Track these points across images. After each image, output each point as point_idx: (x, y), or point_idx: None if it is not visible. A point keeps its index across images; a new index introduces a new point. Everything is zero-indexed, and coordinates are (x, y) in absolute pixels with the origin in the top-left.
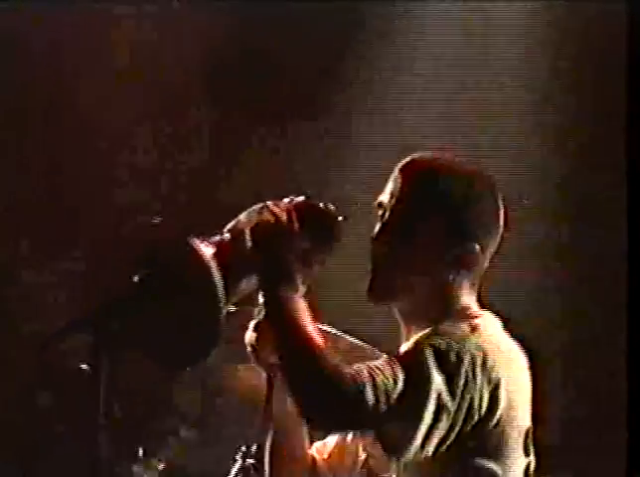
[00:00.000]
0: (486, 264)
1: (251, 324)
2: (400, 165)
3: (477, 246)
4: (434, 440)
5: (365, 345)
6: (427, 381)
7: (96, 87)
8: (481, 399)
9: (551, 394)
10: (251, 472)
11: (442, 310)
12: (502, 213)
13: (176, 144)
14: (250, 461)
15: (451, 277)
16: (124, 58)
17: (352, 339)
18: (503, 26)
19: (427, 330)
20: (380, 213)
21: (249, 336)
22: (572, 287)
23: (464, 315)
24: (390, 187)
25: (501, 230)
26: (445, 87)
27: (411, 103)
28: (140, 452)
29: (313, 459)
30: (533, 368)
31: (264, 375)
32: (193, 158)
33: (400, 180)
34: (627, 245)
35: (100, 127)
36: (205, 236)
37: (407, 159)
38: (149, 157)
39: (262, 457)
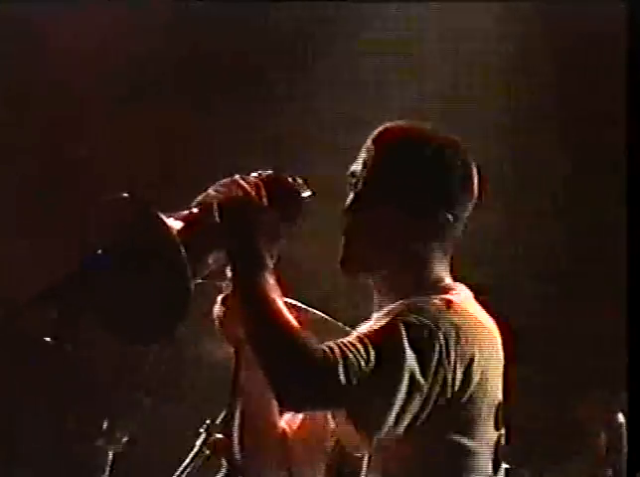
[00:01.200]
0: (459, 234)
1: (219, 298)
2: (372, 134)
3: (450, 216)
4: (407, 418)
5: (331, 319)
6: (400, 359)
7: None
8: (454, 376)
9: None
10: (218, 446)
11: (416, 283)
12: (475, 181)
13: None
14: (218, 436)
15: (424, 248)
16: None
17: (318, 313)
18: (502, 25)
19: (400, 305)
20: (352, 183)
21: (217, 310)
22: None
23: (438, 288)
24: (362, 157)
25: (474, 198)
26: (443, 88)
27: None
28: (104, 425)
29: (284, 432)
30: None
31: (232, 349)
32: (168, 134)
33: (372, 149)
34: (627, 245)
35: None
36: (173, 210)
37: (380, 128)
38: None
39: (230, 431)
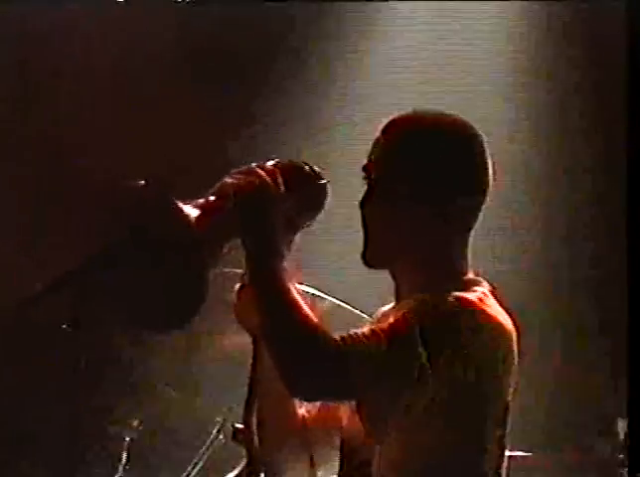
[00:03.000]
0: (475, 223)
1: (237, 286)
2: (383, 126)
3: (467, 202)
4: (414, 413)
5: (348, 307)
6: (411, 356)
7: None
8: (465, 375)
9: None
10: (239, 436)
11: (436, 275)
12: (490, 164)
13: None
14: (238, 425)
15: (444, 238)
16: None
17: (335, 300)
18: (501, 25)
19: (417, 300)
20: (366, 176)
21: (235, 298)
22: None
23: (457, 283)
24: (374, 149)
25: (490, 182)
26: (441, 86)
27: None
28: (119, 412)
29: (303, 418)
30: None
31: (251, 336)
32: (181, 125)
33: (382, 141)
34: (627, 245)
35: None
36: (190, 198)
37: (390, 119)
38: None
39: (250, 420)
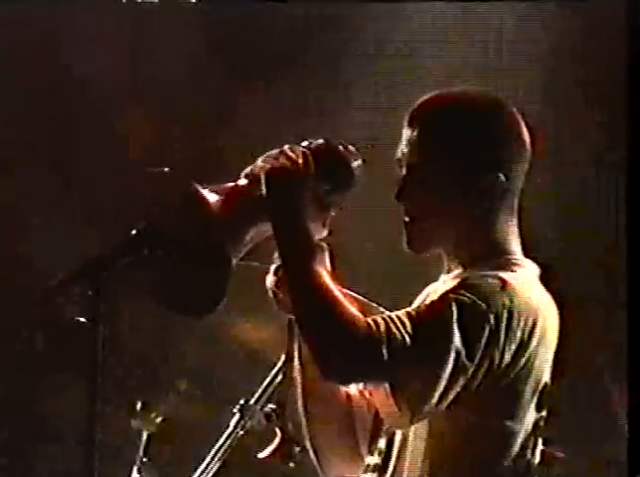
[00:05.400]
0: (516, 197)
1: (272, 268)
2: (408, 112)
3: (502, 175)
4: (448, 397)
5: (371, 303)
6: (447, 338)
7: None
8: (501, 359)
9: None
10: (272, 418)
11: (481, 252)
12: (526, 135)
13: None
14: (271, 406)
15: (483, 215)
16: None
17: (357, 296)
18: (501, 25)
19: (456, 279)
20: (399, 166)
21: (270, 280)
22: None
23: (501, 262)
24: (403, 136)
25: (528, 153)
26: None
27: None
28: (138, 406)
29: (348, 396)
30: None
31: (287, 318)
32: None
33: (411, 126)
34: (627, 245)
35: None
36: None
37: (417, 103)
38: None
39: (283, 400)
